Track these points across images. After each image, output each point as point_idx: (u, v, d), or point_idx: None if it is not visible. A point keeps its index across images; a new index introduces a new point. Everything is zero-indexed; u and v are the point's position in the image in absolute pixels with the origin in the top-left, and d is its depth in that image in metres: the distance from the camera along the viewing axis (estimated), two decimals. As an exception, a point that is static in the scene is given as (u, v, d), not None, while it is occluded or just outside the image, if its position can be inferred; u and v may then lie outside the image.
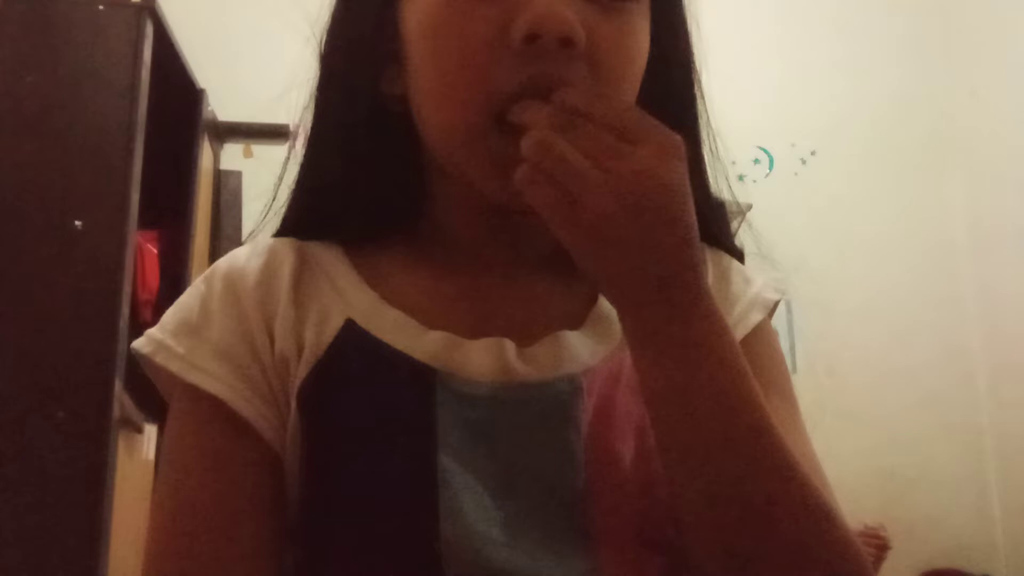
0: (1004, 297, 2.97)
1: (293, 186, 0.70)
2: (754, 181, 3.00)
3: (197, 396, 0.62)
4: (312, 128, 0.69)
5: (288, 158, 0.71)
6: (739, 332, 0.67)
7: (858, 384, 2.83)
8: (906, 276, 3.06)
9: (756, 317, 0.69)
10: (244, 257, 0.67)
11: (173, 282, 2.23)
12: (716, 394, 0.55)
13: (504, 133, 0.59)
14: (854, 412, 2.68)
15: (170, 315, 0.66)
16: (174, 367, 0.63)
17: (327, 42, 0.69)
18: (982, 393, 3.00)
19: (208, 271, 0.68)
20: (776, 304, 0.71)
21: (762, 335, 0.69)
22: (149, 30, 1.93)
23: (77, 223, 1.80)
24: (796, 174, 3.15)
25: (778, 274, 0.73)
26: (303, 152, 0.70)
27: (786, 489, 0.55)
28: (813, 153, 3.18)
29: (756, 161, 3.08)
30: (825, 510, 0.56)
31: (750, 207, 0.74)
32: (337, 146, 0.68)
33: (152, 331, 0.65)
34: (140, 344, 0.65)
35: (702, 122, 0.70)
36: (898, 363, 2.96)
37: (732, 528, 0.55)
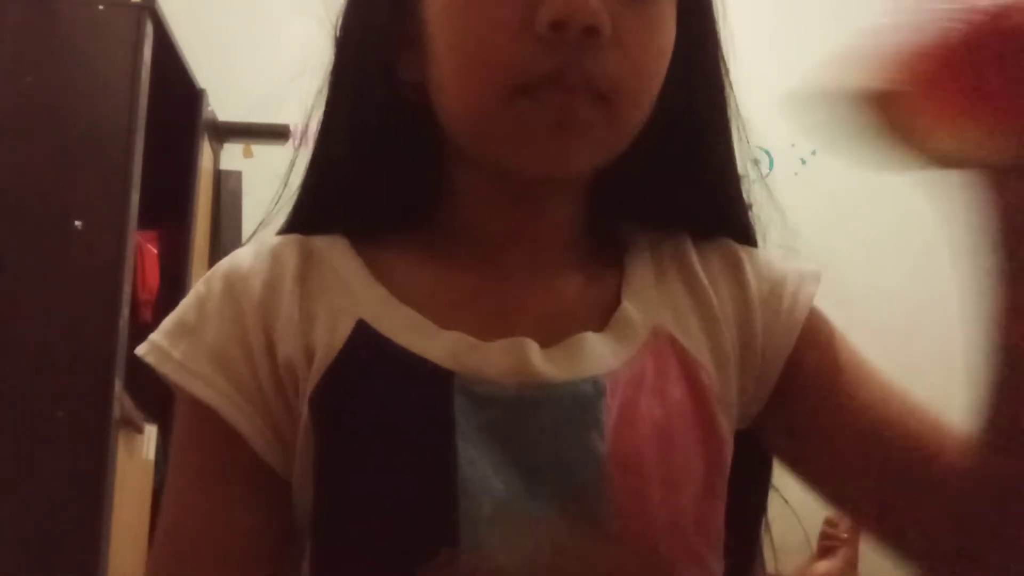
0: (1004, 297, 2.96)
1: (304, 174, 0.69)
2: (754, 181, 2.99)
3: (193, 400, 0.62)
4: (325, 114, 0.68)
5: (299, 146, 0.69)
6: (801, 306, 0.67)
7: (858, 384, 2.82)
8: (907, 276, 3.06)
9: (810, 288, 0.68)
10: (245, 257, 0.66)
11: (173, 282, 2.23)
12: None
13: (529, 101, 0.58)
14: (854, 412, 2.68)
15: (169, 318, 0.65)
16: (167, 369, 0.62)
17: (342, 26, 0.68)
18: (982, 393, 2.99)
19: (209, 272, 0.66)
20: (819, 275, 0.70)
21: (820, 315, 0.69)
22: (149, 30, 1.93)
23: (77, 223, 1.80)
24: (796, 174, 3.14)
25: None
26: (315, 139, 0.68)
27: None
28: (813, 153, 3.17)
29: (756, 161, 3.08)
30: None
31: (751, 206, 0.74)
32: (350, 133, 0.66)
33: (153, 335, 0.64)
34: (141, 349, 0.64)
35: (731, 109, 0.69)
36: (898, 362, 2.95)
37: None
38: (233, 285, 0.64)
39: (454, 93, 0.61)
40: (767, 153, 3.14)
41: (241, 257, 0.66)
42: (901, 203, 3.14)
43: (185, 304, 0.65)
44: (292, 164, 0.70)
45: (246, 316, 0.62)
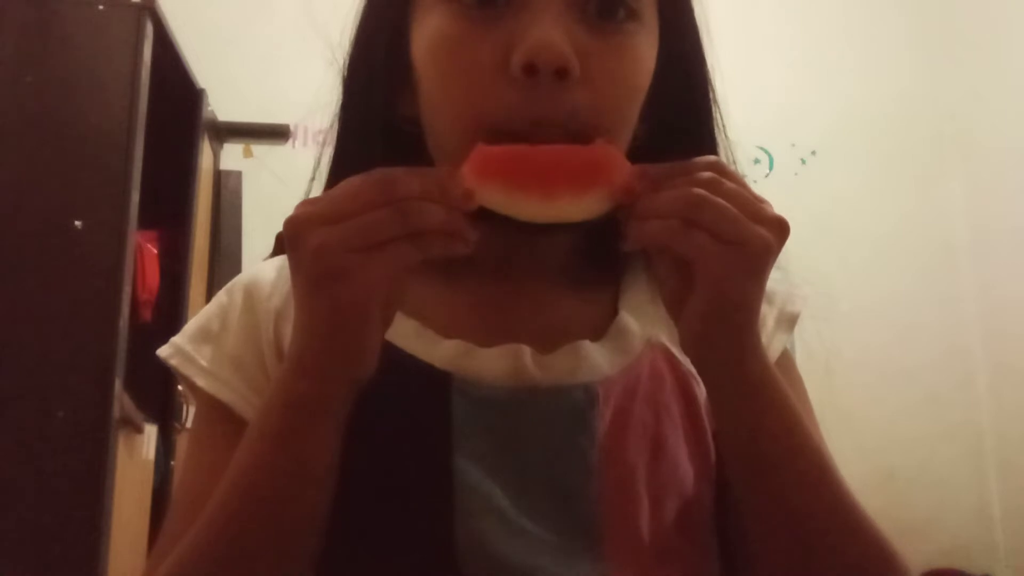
0: (1004, 298, 2.97)
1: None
2: (754, 181, 2.98)
3: (213, 401, 0.67)
4: (336, 147, 0.72)
5: (317, 165, 0.72)
6: (772, 350, 0.68)
7: (858, 384, 2.82)
8: (906, 276, 3.06)
9: (781, 340, 0.70)
10: (268, 273, 0.71)
11: (173, 282, 2.23)
12: (783, 435, 0.59)
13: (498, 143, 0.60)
14: (854, 412, 2.68)
15: (192, 323, 0.71)
16: (191, 372, 0.68)
17: (347, 67, 0.71)
18: (982, 393, 2.99)
19: (231, 283, 0.72)
20: (797, 316, 0.72)
21: (786, 361, 0.70)
22: (149, 30, 1.93)
23: (77, 223, 1.80)
24: (796, 174, 3.14)
25: (790, 285, 0.73)
26: (329, 169, 0.71)
27: (849, 524, 0.60)
28: (813, 153, 3.17)
29: (756, 161, 3.08)
30: (885, 545, 0.61)
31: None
32: (358, 164, 0.69)
33: (175, 338, 0.70)
34: (163, 351, 0.70)
35: (718, 129, 0.71)
36: (898, 363, 2.96)
37: (800, 560, 0.59)
38: (251, 295, 0.70)
39: (438, 132, 0.65)
40: (767, 153, 3.15)
41: (264, 272, 0.71)
42: (901, 203, 3.14)
43: (208, 312, 0.71)
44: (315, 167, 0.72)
45: (260, 325, 0.68)
